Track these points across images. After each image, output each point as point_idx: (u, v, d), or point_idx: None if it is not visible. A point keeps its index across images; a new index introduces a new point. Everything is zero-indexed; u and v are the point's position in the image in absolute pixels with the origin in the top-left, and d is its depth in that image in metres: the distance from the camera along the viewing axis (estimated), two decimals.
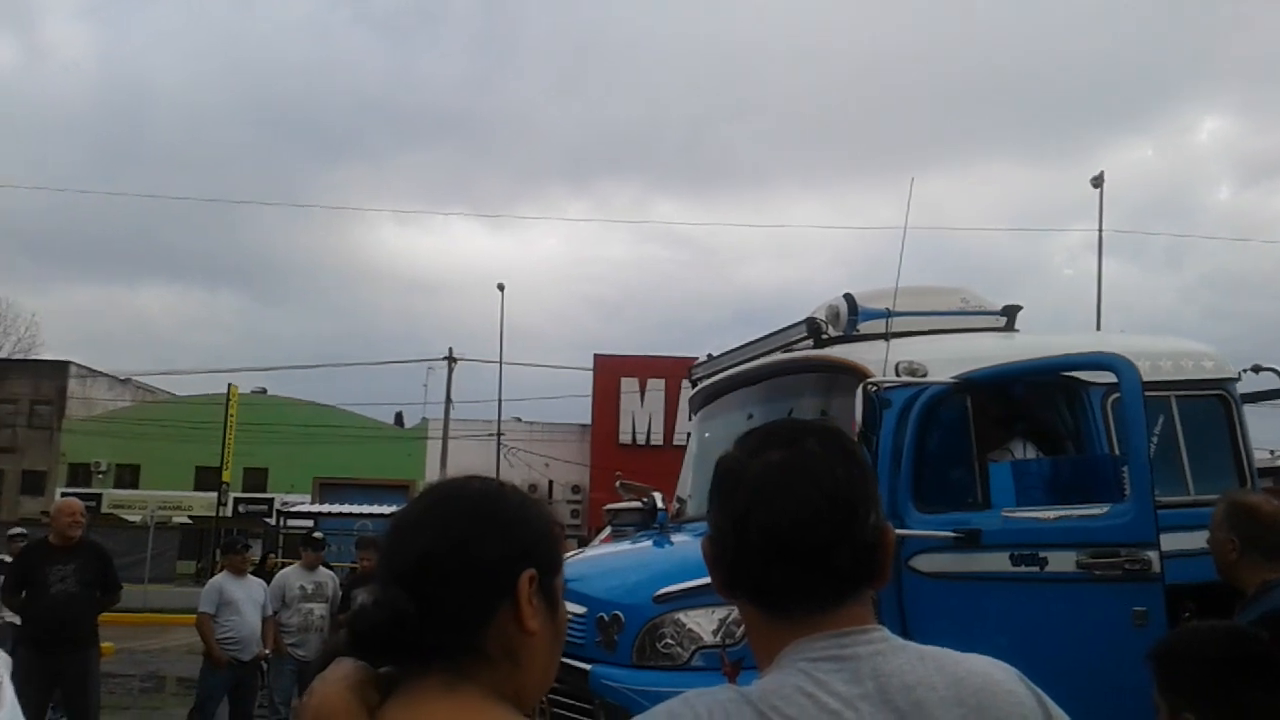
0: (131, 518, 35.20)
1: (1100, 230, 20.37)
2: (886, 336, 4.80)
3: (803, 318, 5.47)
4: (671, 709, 1.16)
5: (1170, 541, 4.14)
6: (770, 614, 1.26)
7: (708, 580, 4.26)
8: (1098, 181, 21.84)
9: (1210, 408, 5.02)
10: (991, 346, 5.07)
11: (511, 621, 1.19)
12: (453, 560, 1.18)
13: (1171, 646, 2.22)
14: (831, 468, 1.25)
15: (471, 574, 1.18)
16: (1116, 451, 4.67)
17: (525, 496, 1.30)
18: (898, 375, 4.57)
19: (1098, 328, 16.18)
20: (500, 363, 33.59)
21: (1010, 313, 5.62)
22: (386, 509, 28.31)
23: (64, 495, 31.34)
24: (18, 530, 12.21)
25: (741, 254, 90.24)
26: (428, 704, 1.15)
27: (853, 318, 5.16)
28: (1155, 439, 4.61)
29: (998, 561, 4.16)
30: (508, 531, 1.23)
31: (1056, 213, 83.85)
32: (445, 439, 35.11)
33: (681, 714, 1.14)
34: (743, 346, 6.01)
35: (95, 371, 45.34)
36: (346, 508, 28.82)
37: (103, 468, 41.28)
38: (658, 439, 35.60)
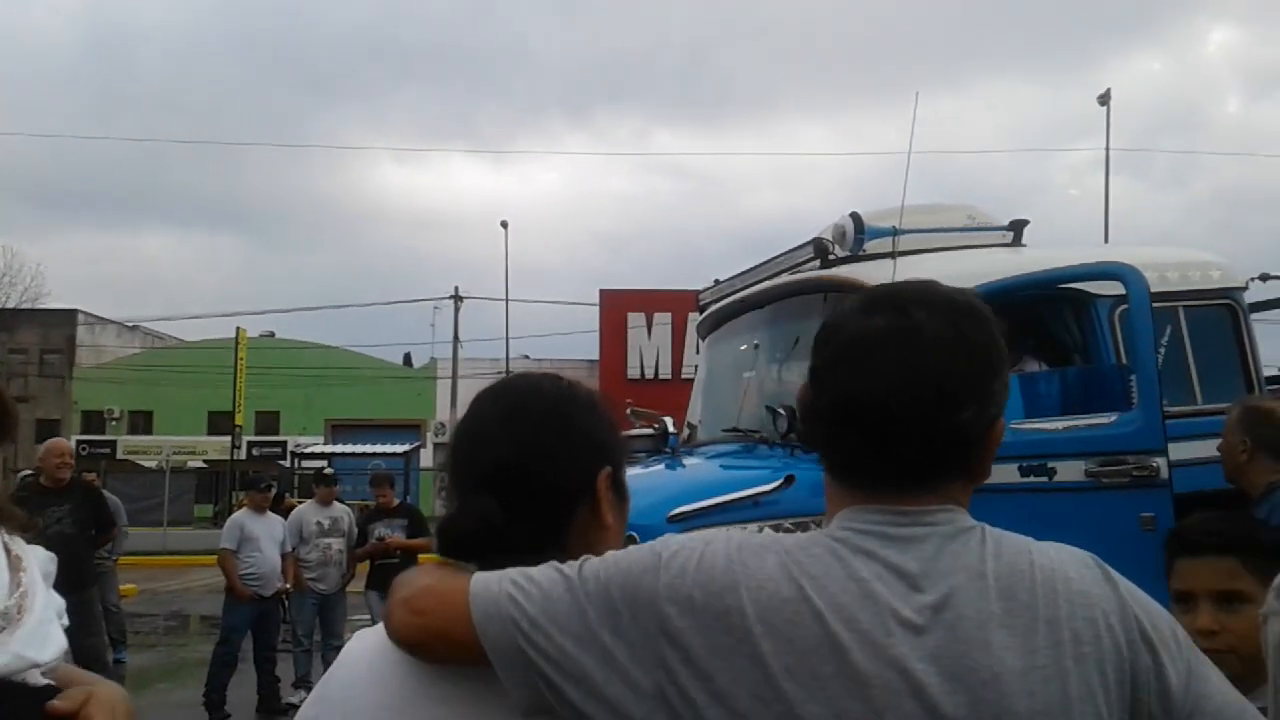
0: (147, 463, 35.48)
1: (1107, 149, 20.18)
2: (893, 255, 4.80)
3: (810, 239, 5.46)
4: (705, 536, 1.15)
5: (1178, 450, 4.18)
6: (834, 478, 1.21)
7: (719, 500, 4.26)
8: (1104, 99, 21.58)
9: (1218, 317, 5.02)
10: (999, 261, 5.06)
11: (590, 518, 1.25)
12: (537, 470, 1.23)
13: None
14: (932, 347, 1.12)
15: (556, 482, 1.24)
16: (1124, 364, 4.69)
17: (593, 394, 1.34)
18: None
19: (1105, 242, 16.07)
20: (506, 300, 33.71)
21: (1017, 228, 5.59)
22: (398, 448, 28.61)
23: (78, 442, 31.69)
24: (28, 472, 12.34)
25: (746, 183, 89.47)
26: None
27: (859, 236, 5.14)
28: (1163, 349, 4.64)
29: (1006, 473, 4.20)
30: (586, 436, 1.28)
31: (1062, 131, 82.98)
32: (454, 378, 35.23)
33: (712, 543, 1.13)
34: (750, 270, 6.00)
35: (103, 319, 45.46)
36: (359, 447, 29.09)
37: (115, 415, 41.55)
38: (666, 373, 35.59)
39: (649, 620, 1.08)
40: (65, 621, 1.44)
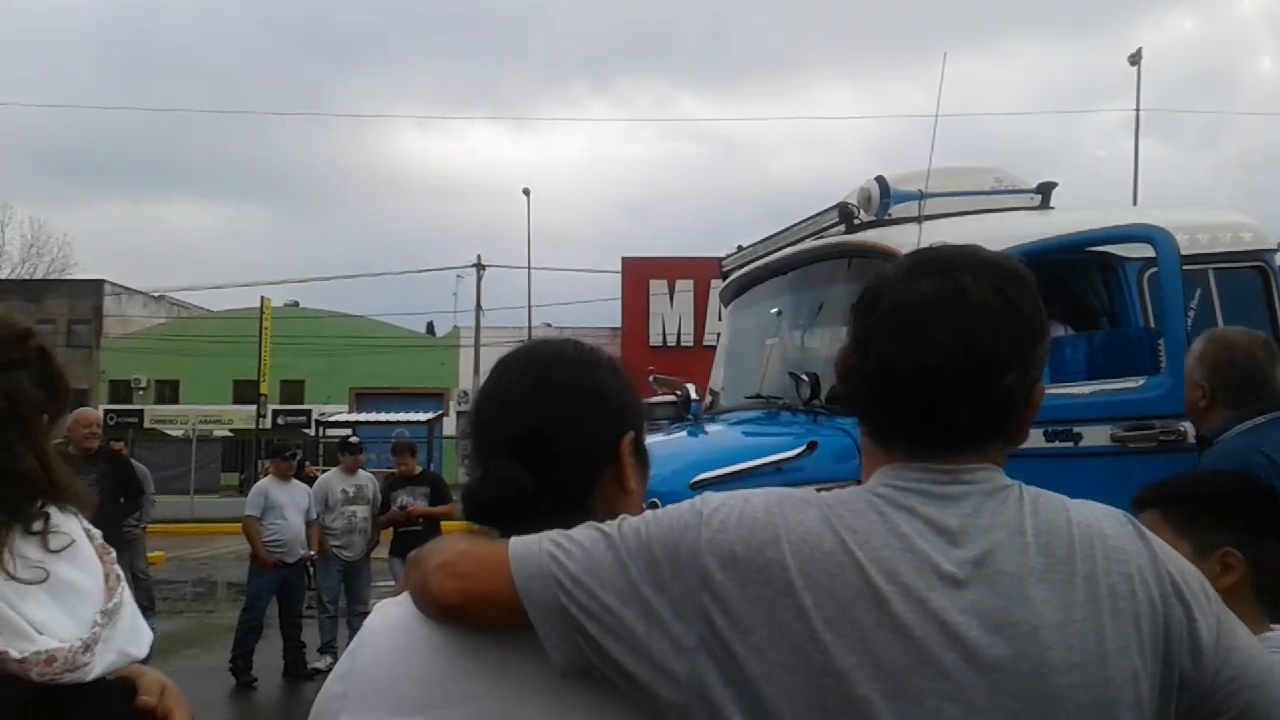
0: (173, 432, 35.82)
1: (1137, 109, 19.90)
2: (919, 219, 4.74)
3: (834, 203, 5.40)
4: (745, 493, 1.16)
5: None
6: (875, 441, 1.22)
7: (742, 466, 4.24)
8: (1135, 59, 21.29)
9: (1249, 280, 4.93)
10: (1026, 224, 4.98)
11: (614, 483, 1.26)
12: (564, 437, 1.23)
13: (1203, 482, 2.11)
14: (980, 312, 1.13)
15: (582, 448, 1.24)
16: (1153, 327, 4.62)
17: (615, 360, 1.35)
18: None
19: (1134, 205, 15.92)
20: (529, 268, 33.73)
21: (1045, 190, 5.51)
22: (422, 416, 28.74)
23: (105, 411, 32.01)
24: (57, 441, 12.45)
25: (770, 148, 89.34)
26: None
27: (885, 201, 5.07)
28: (1192, 312, 4.56)
29: (1032, 438, 4.12)
30: (611, 403, 1.28)
31: (1092, 92, 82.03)
32: (477, 346, 35.33)
33: (751, 499, 1.14)
34: (774, 235, 5.95)
35: (129, 289, 45.77)
36: (383, 416, 29.28)
37: (142, 384, 41.91)
38: (688, 340, 35.57)
39: (691, 575, 1.08)
40: None
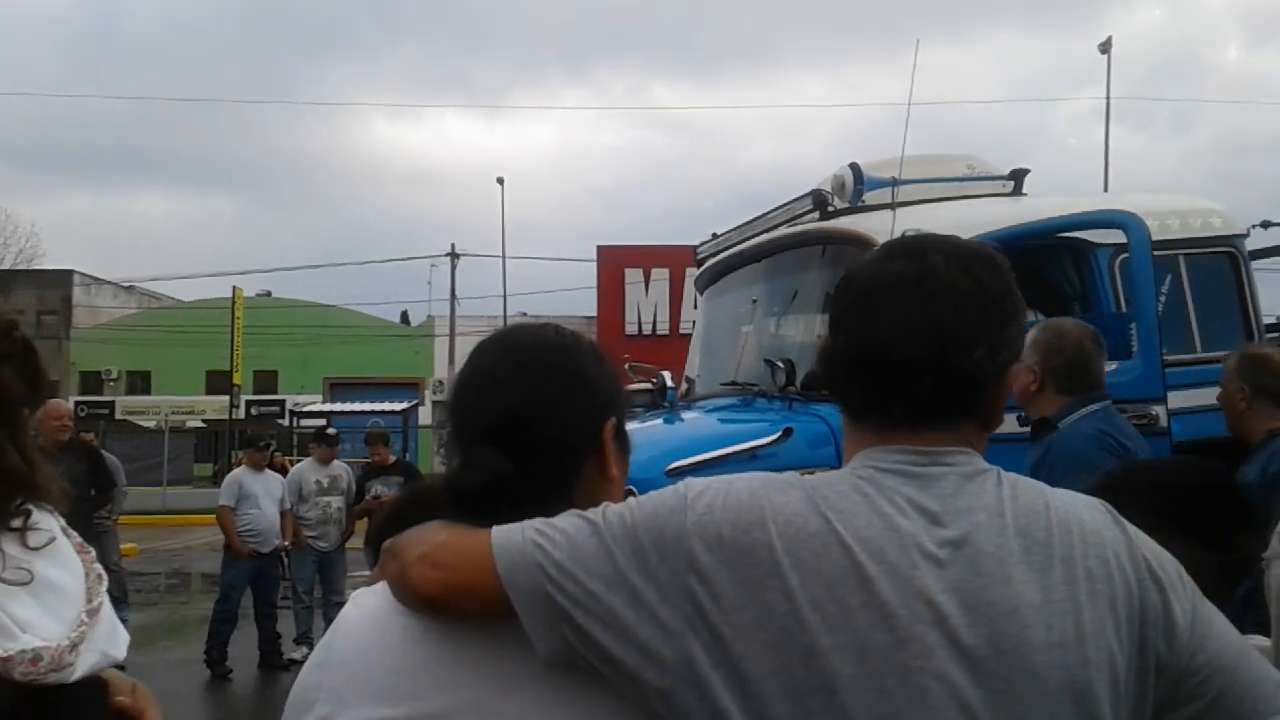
0: (146, 423, 35.53)
1: (1108, 97, 20.04)
2: (893, 206, 4.75)
3: (808, 190, 5.40)
4: (729, 477, 1.16)
5: (1178, 399, 4.16)
6: (851, 420, 1.24)
7: (717, 453, 4.24)
8: (1105, 47, 21.43)
9: (1218, 265, 4.99)
10: (998, 211, 5.02)
11: (596, 470, 1.23)
12: (545, 421, 1.20)
13: (1134, 475, 2.12)
14: (947, 291, 1.16)
15: (564, 433, 1.21)
16: (1124, 312, 4.66)
17: (596, 345, 1.32)
18: None
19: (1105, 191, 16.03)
20: (503, 257, 33.62)
21: (1017, 177, 5.54)
22: (396, 406, 28.59)
23: (76, 403, 31.70)
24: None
25: (743, 137, 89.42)
26: None
27: (858, 188, 5.09)
28: (1163, 297, 4.61)
29: (1005, 422, 4.18)
30: (592, 387, 1.25)
31: (1062, 80, 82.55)
32: (452, 336, 35.21)
33: (735, 482, 1.14)
34: (748, 222, 5.95)
35: (99, 279, 45.29)
36: (357, 406, 29.05)
37: (113, 375, 41.51)
38: (664, 328, 35.53)
39: (677, 559, 1.08)
40: None
